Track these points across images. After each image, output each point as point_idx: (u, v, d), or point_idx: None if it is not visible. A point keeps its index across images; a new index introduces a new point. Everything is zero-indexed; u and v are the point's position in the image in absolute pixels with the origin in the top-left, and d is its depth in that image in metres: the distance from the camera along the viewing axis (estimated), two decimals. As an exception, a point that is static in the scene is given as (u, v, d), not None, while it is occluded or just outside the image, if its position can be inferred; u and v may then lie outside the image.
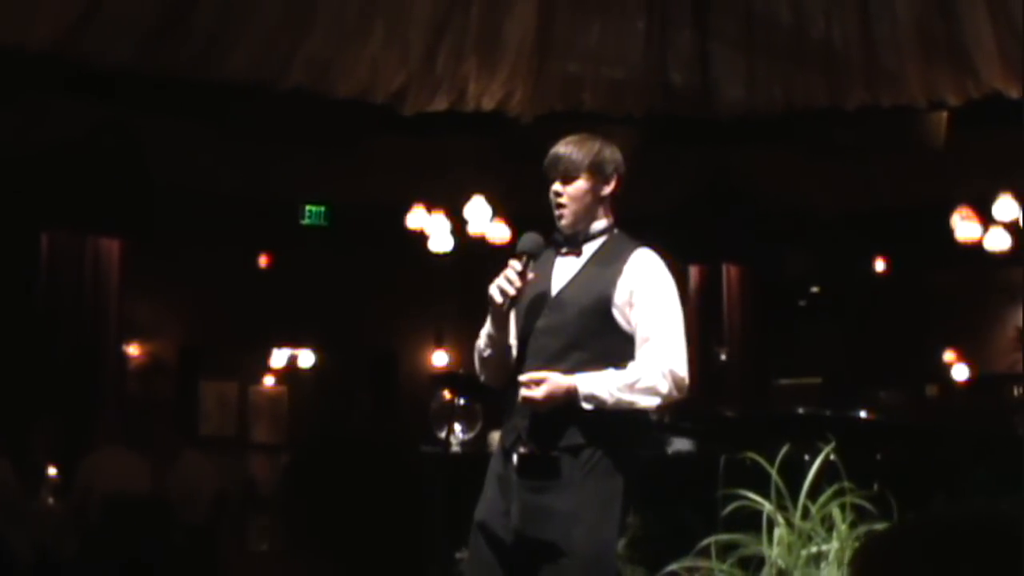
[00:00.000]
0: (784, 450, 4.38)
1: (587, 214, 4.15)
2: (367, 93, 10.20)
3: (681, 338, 4.04)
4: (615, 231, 4.20)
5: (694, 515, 4.92)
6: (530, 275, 4.06)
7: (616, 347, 4.00)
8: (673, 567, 4.49)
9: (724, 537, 4.36)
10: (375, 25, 9.89)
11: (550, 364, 3.98)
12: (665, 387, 3.96)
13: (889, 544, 1.48)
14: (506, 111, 10.39)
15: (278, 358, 13.34)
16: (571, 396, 3.92)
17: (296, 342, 13.26)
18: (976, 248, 10.90)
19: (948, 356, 13.97)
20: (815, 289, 14.72)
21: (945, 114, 10.38)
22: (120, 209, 10.31)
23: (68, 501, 8.37)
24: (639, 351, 4.01)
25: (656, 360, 3.98)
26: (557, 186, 4.16)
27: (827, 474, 4.38)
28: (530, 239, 4.11)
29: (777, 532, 4.29)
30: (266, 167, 10.74)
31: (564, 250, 4.16)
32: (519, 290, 4.04)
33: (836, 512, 4.25)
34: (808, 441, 4.57)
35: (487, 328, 4.17)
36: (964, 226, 10.82)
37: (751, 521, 4.36)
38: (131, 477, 8.38)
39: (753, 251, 11.73)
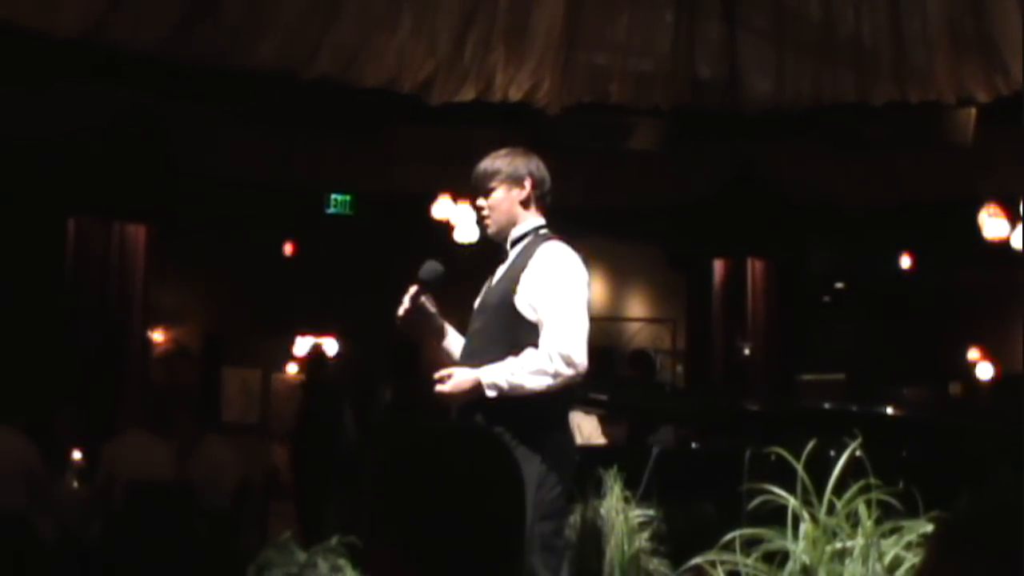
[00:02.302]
0: (810, 445, 4.36)
1: (508, 220, 4.50)
2: (394, 82, 10.20)
3: (574, 320, 4.31)
4: (540, 231, 4.51)
5: (718, 509, 4.92)
6: (423, 298, 4.45)
7: (524, 338, 4.31)
8: (697, 561, 4.48)
9: (748, 531, 4.35)
10: (403, 14, 9.89)
11: (472, 361, 4.35)
12: (551, 367, 4.24)
13: (973, 526, 1.41)
14: (533, 102, 10.38)
15: (301, 346, 13.38)
16: (477, 387, 4.26)
17: (319, 330, 13.28)
18: (1003, 246, 10.85)
19: (973, 354, 13.92)
20: (840, 285, 14.68)
21: (974, 110, 10.31)
22: (146, 196, 10.34)
23: (92, 485, 8.41)
24: (540, 338, 4.31)
25: (546, 343, 4.27)
26: (480, 200, 4.54)
27: (853, 470, 4.36)
28: (427, 268, 4.50)
29: (802, 527, 4.27)
30: (292, 155, 10.75)
31: (501, 257, 4.53)
32: (422, 314, 4.46)
33: (862, 508, 4.23)
34: (834, 436, 4.56)
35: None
36: (991, 223, 10.77)
37: (776, 516, 4.35)
38: (154, 462, 8.42)
39: (778, 246, 11.70)
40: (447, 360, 4.55)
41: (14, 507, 7.62)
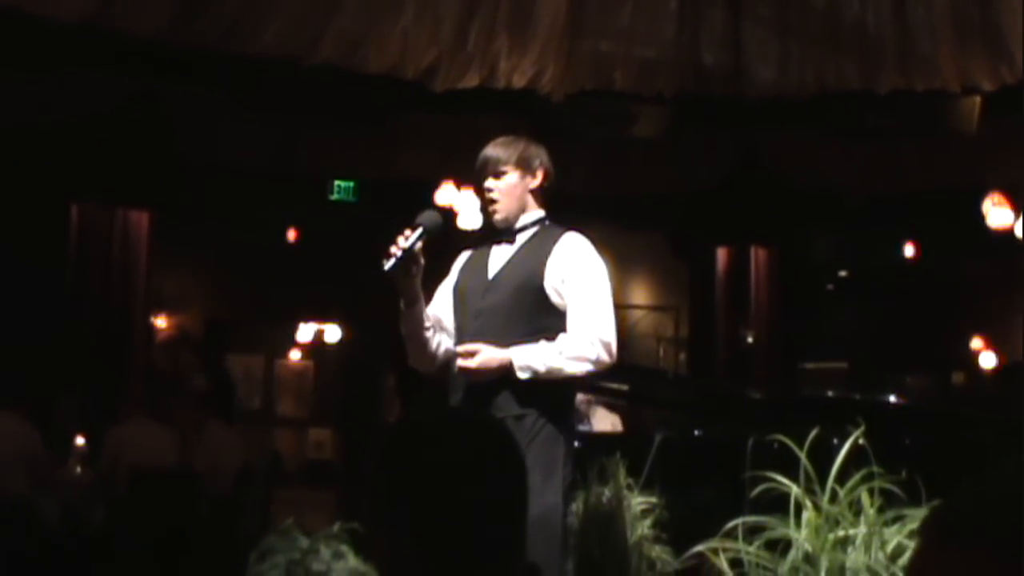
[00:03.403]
0: (813, 433, 4.36)
1: (518, 206, 4.46)
2: (398, 69, 10.18)
3: (608, 308, 4.34)
4: (546, 222, 4.50)
5: (721, 497, 4.92)
6: (418, 244, 4.25)
7: (550, 322, 4.30)
8: (699, 548, 4.48)
9: (751, 519, 4.35)
10: (406, 1, 9.87)
11: (489, 340, 4.26)
12: (593, 354, 4.27)
13: (966, 511, 1.38)
14: (537, 89, 10.36)
15: (304, 332, 13.39)
16: (506, 367, 4.21)
17: (323, 317, 13.29)
18: (1007, 235, 10.84)
19: (976, 343, 13.91)
20: (843, 273, 14.67)
21: (978, 99, 10.28)
22: (149, 182, 10.34)
23: (95, 471, 8.43)
24: (569, 323, 4.30)
25: (584, 330, 4.27)
26: (489, 182, 4.46)
27: (855, 458, 4.36)
28: (428, 215, 4.38)
29: (805, 515, 4.28)
30: (295, 142, 10.74)
31: (499, 240, 4.48)
32: (413, 260, 4.25)
33: (865, 496, 4.23)
34: (837, 425, 4.56)
35: (400, 304, 4.40)
36: (995, 212, 10.77)
37: (778, 504, 4.35)
38: (157, 448, 8.43)
39: (782, 234, 11.70)
40: (414, 328, 4.42)
41: (17, 492, 7.64)
